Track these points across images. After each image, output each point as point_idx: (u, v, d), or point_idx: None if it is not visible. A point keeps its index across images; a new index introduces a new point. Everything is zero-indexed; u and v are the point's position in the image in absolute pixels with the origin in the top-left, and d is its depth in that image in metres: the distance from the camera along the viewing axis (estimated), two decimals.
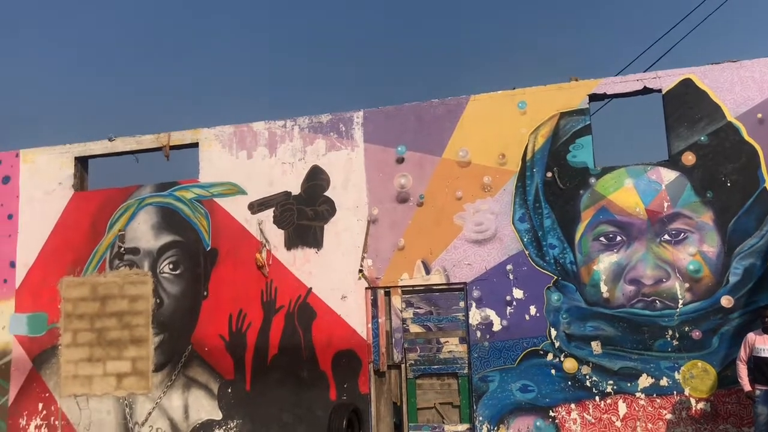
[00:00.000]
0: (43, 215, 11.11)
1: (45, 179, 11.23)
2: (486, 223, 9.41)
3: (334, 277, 9.85)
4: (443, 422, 9.42)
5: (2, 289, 11.12)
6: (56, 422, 10.56)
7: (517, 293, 9.20)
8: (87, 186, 11.39)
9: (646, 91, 9.21)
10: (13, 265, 11.11)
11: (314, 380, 9.71)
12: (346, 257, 9.86)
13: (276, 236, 10.19)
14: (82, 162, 11.33)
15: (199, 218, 10.48)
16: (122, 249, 10.66)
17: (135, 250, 10.65)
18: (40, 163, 11.31)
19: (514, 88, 9.65)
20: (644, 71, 9.50)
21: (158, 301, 10.43)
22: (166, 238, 10.55)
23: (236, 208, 10.40)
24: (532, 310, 9.11)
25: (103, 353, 10.53)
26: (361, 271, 9.75)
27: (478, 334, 9.26)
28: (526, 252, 9.23)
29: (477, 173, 9.53)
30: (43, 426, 10.61)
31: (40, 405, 10.68)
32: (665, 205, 8.86)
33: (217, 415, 9.99)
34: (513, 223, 9.32)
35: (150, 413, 10.24)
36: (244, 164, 10.49)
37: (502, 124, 9.54)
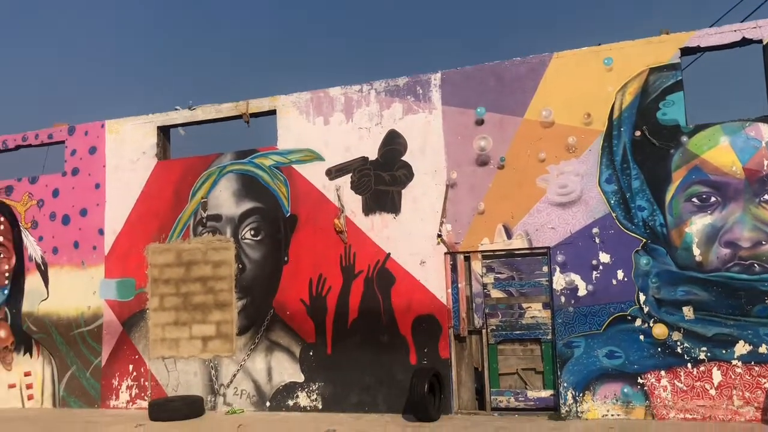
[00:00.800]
0: (129, 184, 11.44)
1: (129, 149, 11.54)
2: (570, 185, 9.11)
3: (413, 242, 9.77)
4: (526, 388, 9.28)
5: (92, 255, 11.55)
6: (146, 383, 10.97)
7: (604, 257, 8.89)
8: (170, 155, 11.65)
9: (745, 42, 8.65)
10: (101, 232, 11.52)
11: (394, 344, 9.71)
12: (424, 222, 9.76)
13: (353, 202, 10.17)
14: (164, 131, 11.57)
15: (278, 185, 10.56)
16: (205, 216, 10.87)
17: (217, 217, 10.85)
18: (124, 134, 11.62)
19: (599, 44, 9.23)
20: (742, 21, 8.91)
21: (240, 266, 10.61)
22: (247, 205, 10.70)
23: (314, 174, 10.42)
24: (620, 274, 8.80)
25: (188, 317, 10.83)
26: (439, 236, 9.63)
27: (563, 299, 9.03)
28: (614, 214, 8.90)
29: (561, 134, 9.22)
30: (134, 386, 11.03)
31: (131, 366, 11.10)
32: (765, 163, 8.35)
33: (299, 378, 10.14)
34: (599, 185, 8.99)
35: (234, 375, 10.49)
36: (321, 130, 10.48)
37: (587, 82, 9.17)
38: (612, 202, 8.93)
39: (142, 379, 11.02)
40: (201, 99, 10.74)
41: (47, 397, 11.62)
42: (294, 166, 10.54)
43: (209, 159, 11.07)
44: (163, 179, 11.25)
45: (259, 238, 10.58)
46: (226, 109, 11.06)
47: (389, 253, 9.88)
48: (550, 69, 9.38)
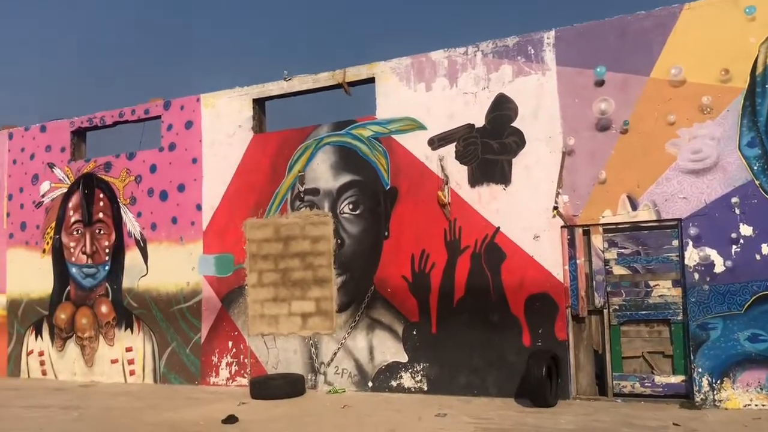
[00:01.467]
0: (225, 158, 11.22)
1: (225, 122, 11.30)
2: (705, 150, 8.19)
3: (525, 215, 9.09)
4: (653, 373, 8.49)
5: (190, 231, 11.43)
6: (245, 360, 10.78)
7: (745, 230, 7.97)
8: (265, 128, 11.34)
9: None
10: (199, 207, 11.37)
11: (505, 324, 9.09)
12: (537, 193, 9.05)
13: (458, 172, 9.56)
14: (259, 104, 11.26)
15: (377, 156, 10.07)
16: (302, 190, 10.52)
17: (315, 191, 10.47)
18: (220, 107, 11.39)
19: None
20: None
21: (339, 241, 10.22)
22: (345, 178, 10.27)
23: (415, 144, 9.86)
24: (764, 248, 7.86)
25: (287, 293, 10.54)
26: (555, 208, 8.91)
27: (696, 276, 8.16)
28: (757, 182, 7.94)
29: (694, 93, 8.29)
30: (234, 363, 10.87)
31: (230, 343, 10.94)
32: None
33: (403, 358, 9.68)
34: (740, 149, 8.04)
35: (335, 353, 10.15)
36: (423, 97, 9.89)
37: (724, 35, 8.19)
38: (755, 168, 7.97)
39: (241, 356, 10.84)
40: (297, 70, 10.27)
41: (148, 373, 11.65)
42: (394, 136, 10.01)
43: (306, 131, 10.68)
44: (260, 153, 10.96)
45: (358, 212, 10.14)
46: (324, 78, 10.62)
47: (498, 227, 9.23)
48: (680, 22, 8.44)
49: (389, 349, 9.81)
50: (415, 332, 9.65)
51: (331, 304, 10.24)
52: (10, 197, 13.34)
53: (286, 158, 10.75)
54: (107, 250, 12.19)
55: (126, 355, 11.89)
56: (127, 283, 11.95)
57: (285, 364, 10.49)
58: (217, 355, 11.04)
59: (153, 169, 11.88)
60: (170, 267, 11.56)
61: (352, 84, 10.48)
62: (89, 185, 12.46)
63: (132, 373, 11.80)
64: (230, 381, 10.88)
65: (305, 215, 10.50)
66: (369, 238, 10.06)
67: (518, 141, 9.23)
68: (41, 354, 12.77)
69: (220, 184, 11.24)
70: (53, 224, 12.78)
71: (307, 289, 10.43)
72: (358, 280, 10.08)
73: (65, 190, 12.73)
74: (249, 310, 10.82)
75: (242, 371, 10.80)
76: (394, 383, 9.71)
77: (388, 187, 9.98)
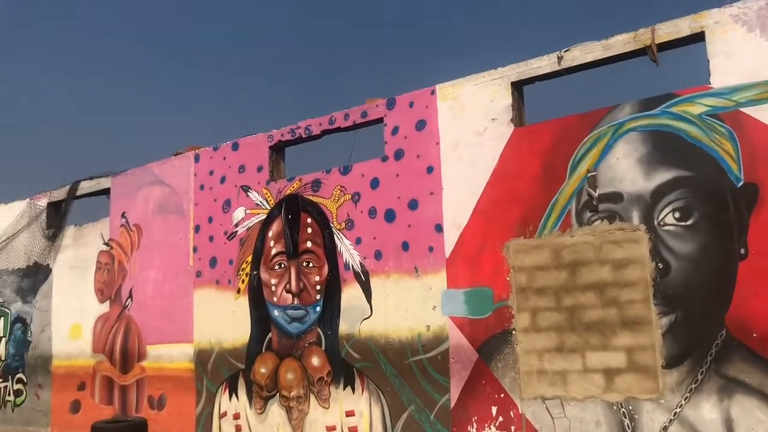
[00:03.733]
0: (474, 162, 8.56)
1: (472, 117, 8.68)
2: None
3: None
4: None
5: (428, 259, 8.77)
6: None
7: None
8: (525, 119, 8.60)
9: None
10: (439, 228, 8.71)
11: None
12: None
13: None
14: (518, 88, 8.57)
15: (717, 141, 6.99)
16: (595, 196, 7.59)
17: (615, 196, 7.51)
18: (463, 98, 8.80)
19: None
20: None
21: (661, 265, 7.14)
22: (665, 175, 7.25)
23: None
24: None
25: (579, 341, 7.54)
26: None
27: None
28: None
29: None
30: None
31: (494, 409, 8.04)
32: None
33: None
34: None
35: (666, 428, 6.95)
36: None
37: None
38: None
39: (512, 428, 7.89)
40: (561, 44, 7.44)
41: None
42: (744, 109, 6.92)
43: (595, 116, 7.82)
44: (525, 151, 8.20)
45: (689, 222, 7.05)
46: (619, 43, 7.75)
47: None
48: None
49: (762, 424, 6.49)
50: None
51: (652, 355, 7.12)
52: (197, 229, 11.39)
53: (566, 155, 7.92)
54: (318, 287, 9.78)
55: (346, 422, 9.29)
56: (345, 327, 9.44)
57: None
58: (475, 424, 8.17)
59: (375, 183, 9.43)
60: (402, 306, 8.94)
61: (664, 47, 7.53)
62: (293, 209, 10.21)
63: None
64: None
65: (601, 231, 7.54)
66: (712, 258, 6.93)
67: None
68: (236, 417, 10.46)
69: (468, 196, 8.56)
70: (249, 258, 10.61)
71: (610, 334, 7.40)
72: (699, 321, 6.93)
73: (264, 216, 10.57)
74: (520, 364, 7.91)
75: None
76: None
77: (741, 183, 6.84)
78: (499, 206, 8.33)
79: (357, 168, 9.69)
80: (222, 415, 10.63)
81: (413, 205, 9.04)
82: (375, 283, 9.28)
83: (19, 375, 14.12)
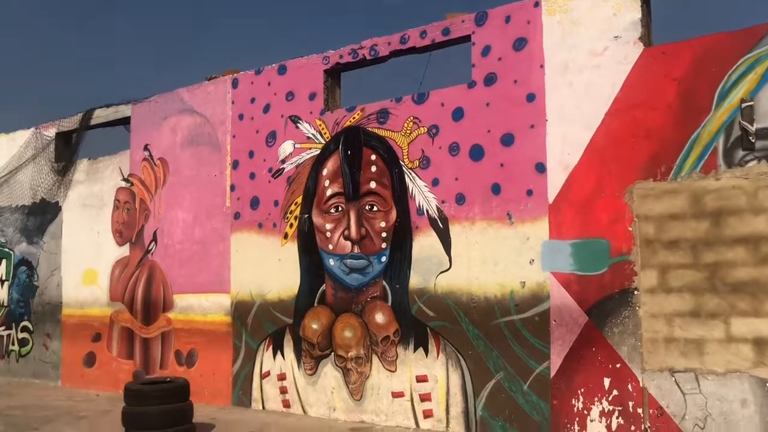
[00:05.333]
0: (590, 89, 7.15)
1: (588, 35, 7.23)
2: None
3: None
4: None
5: (524, 204, 7.42)
6: (639, 410, 6.60)
7: None
8: (652, 39, 7.15)
9: None
10: (541, 168, 7.34)
11: None
12: None
13: None
14: (646, 1, 7.09)
15: None
16: (751, 131, 6.21)
17: None
18: (577, 12, 7.32)
19: None
20: None
21: None
22: None
23: None
24: None
25: (722, 304, 6.28)
26: None
27: None
28: None
29: None
30: (615, 413, 6.73)
31: (607, 381, 6.81)
32: None
33: None
34: None
35: None
36: None
37: None
38: None
39: (629, 403, 6.68)
40: None
41: (455, 416, 7.74)
42: None
43: (753, 34, 6.41)
44: (658, 76, 6.78)
45: None
46: None
47: None
48: None
49: None
50: None
51: None
52: (235, 165, 9.95)
53: (713, 81, 6.52)
54: (384, 235, 8.44)
55: (417, 388, 8.06)
56: (417, 281, 8.13)
57: (721, 421, 6.21)
58: (582, 397, 6.94)
59: (458, 114, 7.99)
60: (490, 259, 7.63)
61: None
62: (354, 144, 8.79)
63: (428, 414, 7.94)
64: None
65: (757, 173, 6.21)
66: None
67: None
68: (282, 378, 9.22)
69: (580, 129, 7.16)
70: (299, 199, 9.22)
71: (763, 297, 6.13)
72: None
73: (316, 152, 9.15)
74: (643, 330, 6.64)
75: (632, 426, 6.62)
76: None
77: None
78: (622, 142, 6.94)
79: (435, 96, 8.24)
80: (264, 375, 9.39)
81: (508, 140, 7.64)
82: (456, 231, 7.93)
83: (25, 323, 12.81)
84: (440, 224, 8.06)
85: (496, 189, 7.69)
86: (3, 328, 13.18)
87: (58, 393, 11.30)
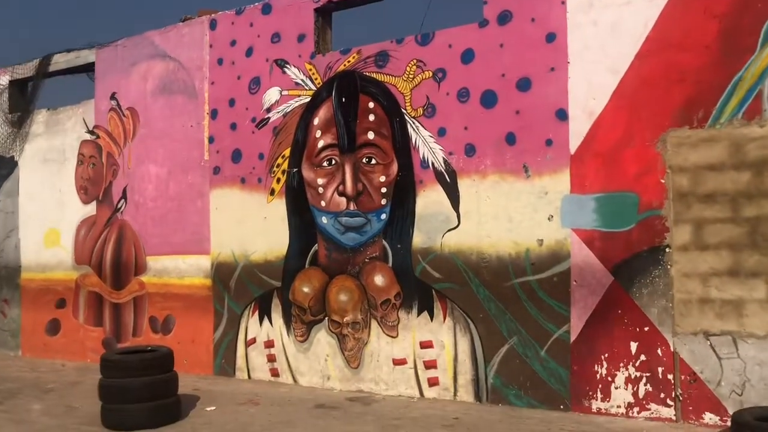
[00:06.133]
0: (617, 29, 6.51)
1: None
2: None
3: None
4: None
5: (542, 154, 6.80)
6: (669, 376, 6.12)
7: None
8: None
9: None
10: (562, 115, 6.70)
11: None
12: None
13: None
14: None
15: None
16: None
17: None
18: None
19: None
20: None
21: None
22: None
23: None
24: None
25: (763, 262, 5.79)
26: None
27: None
28: None
29: None
30: (643, 380, 6.26)
31: (633, 345, 6.32)
32: None
33: None
34: None
35: None
36: None
37: None
38: None
39: (659, 369, 6.20)
40: None
41: (464, 384, 7.19)
42: None
43: None
44: (695, 12, 6.17)
45: None
46: None
47: None
48: None
49: None
50: None
51: None
52: (213, 114, 9.08)
53: (760, 17, 5.92)
54: (384, 190, 7.73)
55: (421, 354, 7.47)
56: (421, 240, 7.48)
57: (762, 388, 5.76)
58: (605, 363, 6.44)
59: (468, 57, 7.27)
60: (503, 215, 7.01)
61: None
62: (349, 90, 8.01)
63: (433, 382, 7.37)
64: (634, 409, 6.27)
65: None
66: None
67: None
68: (269, 345, 8.55)
69: (606, 73, 6.53)
70: (287, 152, 8.44)
71: None
72: None
73: (306, 99, 8.34)
74: (675, 291, 6.14)
75: (661, 395, 6.15)
76: None
77: None
78: (653, 86, 6.33)
79: (442, 36, 7.49)
80: (249, 343, 8.69)
81: (524, 84, 6.96)
82: (465, 185, 7.28)
83: None
84: (447, 178, 7.38)
85: (510, 139, 7.02)
86: None
87: (18, 363, 10.43)
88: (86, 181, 10.37)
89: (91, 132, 10.35)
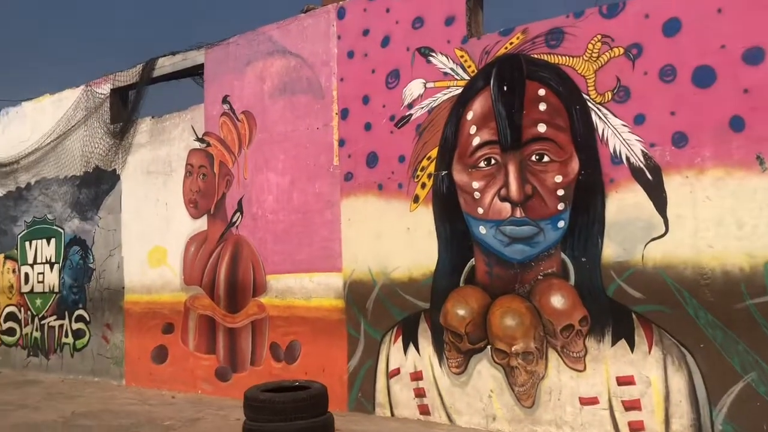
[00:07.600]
0: None
1: None
2: None
3: None
4: None
5: None
6: None
7: None
8: None
9: None
10: None
11: None
12: None
13: None
14: None
15: None
16: None
17: None
18: None
19: None
20: None
21: None
22: None
23: None
24: None
25: None
26: None
27: None
28: None
29: None
30: None
31: None
32: None
33: None
34: None
35: None
36: None
37: None
38: None
39: None
40: None
41: (679, 431, 5.71)
42: None
43: None
44: None
45: None
46: None
47: None
48: None
49: None
50: None
51: None
52: (344, 114, 7.98)
53: None
54: (561, 192, 6.42)
55: (618, 392, 6.07)
56: (614, 252, 6.13)
57: None
58: None
59: (672, 27, 5.97)
60: (730, 220, 5.62)
61: None
62: (513, 77, 6.76)
63: (636, 427, 5.97)
64: None
65: None
66: None
67: None
68: (417, 377, 7.29)
69: None
70: (434, 153, 7.24)
71: None
72: None
73: (458, 91, 7.13)
74: None
75: None
76: None
77: None
78: None
79: (635, 5, 6.17)
80: (392, 374, 7.47)
81: (755, 56, 5.58)
82: (674, 183, 5.91)
83: (79, 311, 11.03)
84: (649, 175, 6.03)
85: (737, 124, 5.63)
86: (54, 318, 11.43)
87: (125, 394, 9.52)
88: (196, 194, 9.45)
89: (200, 140, 9.45)
